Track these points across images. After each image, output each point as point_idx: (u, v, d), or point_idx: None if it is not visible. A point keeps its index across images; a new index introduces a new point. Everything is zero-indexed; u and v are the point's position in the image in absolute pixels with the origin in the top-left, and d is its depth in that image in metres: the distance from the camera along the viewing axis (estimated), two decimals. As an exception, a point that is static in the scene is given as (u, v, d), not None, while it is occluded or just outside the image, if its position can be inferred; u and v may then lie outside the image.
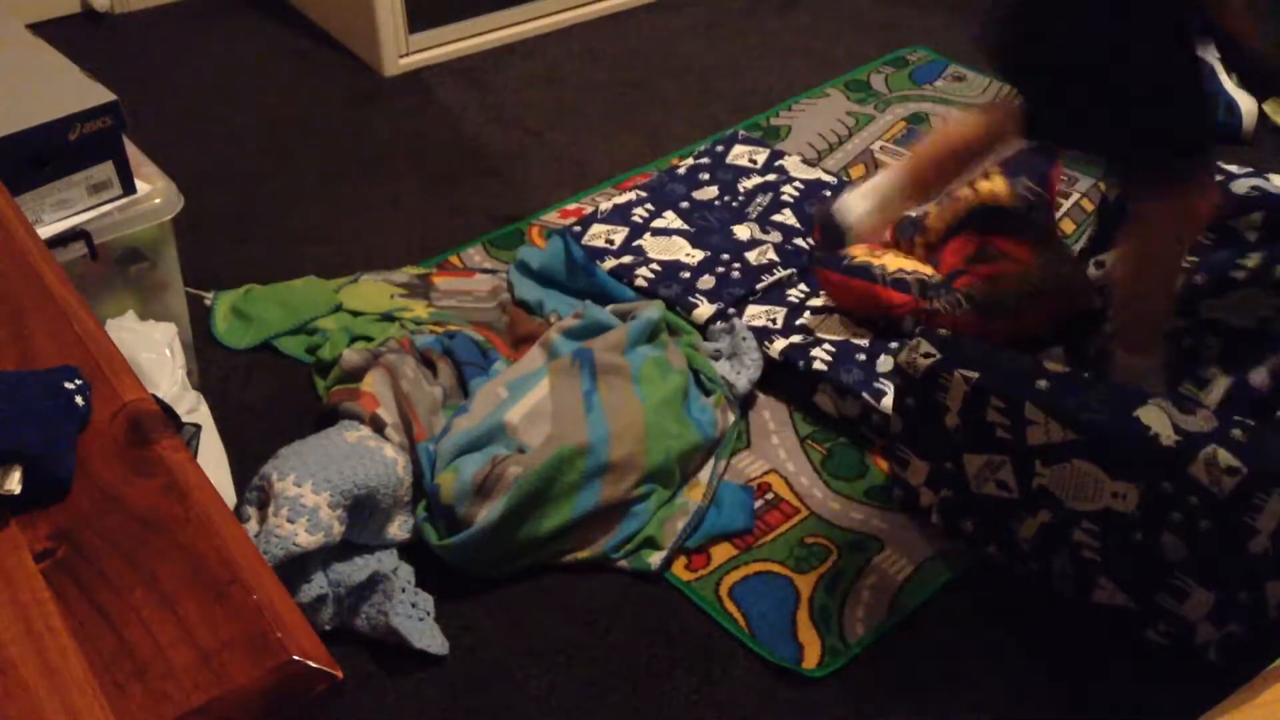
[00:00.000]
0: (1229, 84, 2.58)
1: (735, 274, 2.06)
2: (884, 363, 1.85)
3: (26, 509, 0.83)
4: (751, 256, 2.11)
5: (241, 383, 1.95)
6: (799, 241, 2.16)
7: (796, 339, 1.91)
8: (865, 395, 1.79)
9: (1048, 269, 1.85)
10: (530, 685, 1.51)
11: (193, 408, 1.69)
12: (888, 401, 1.75)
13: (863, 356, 1.87)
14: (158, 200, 1.71)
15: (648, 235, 2.17)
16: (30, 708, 0.70)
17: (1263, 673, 1.22)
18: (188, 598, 0.76)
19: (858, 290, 1.91)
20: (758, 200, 2.27)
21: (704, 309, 1.98)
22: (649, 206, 2.25)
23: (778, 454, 1.82)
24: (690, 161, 2.41)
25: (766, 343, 1.91)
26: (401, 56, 2.83)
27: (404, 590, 1.56)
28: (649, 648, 1.55)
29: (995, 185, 2.00)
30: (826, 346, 1.89)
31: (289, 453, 1.57)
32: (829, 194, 2.15)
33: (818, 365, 1.85)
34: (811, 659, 1.52)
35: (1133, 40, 1.53)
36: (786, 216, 2.22)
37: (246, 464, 1.77)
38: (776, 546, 1.67)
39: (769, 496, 1.75)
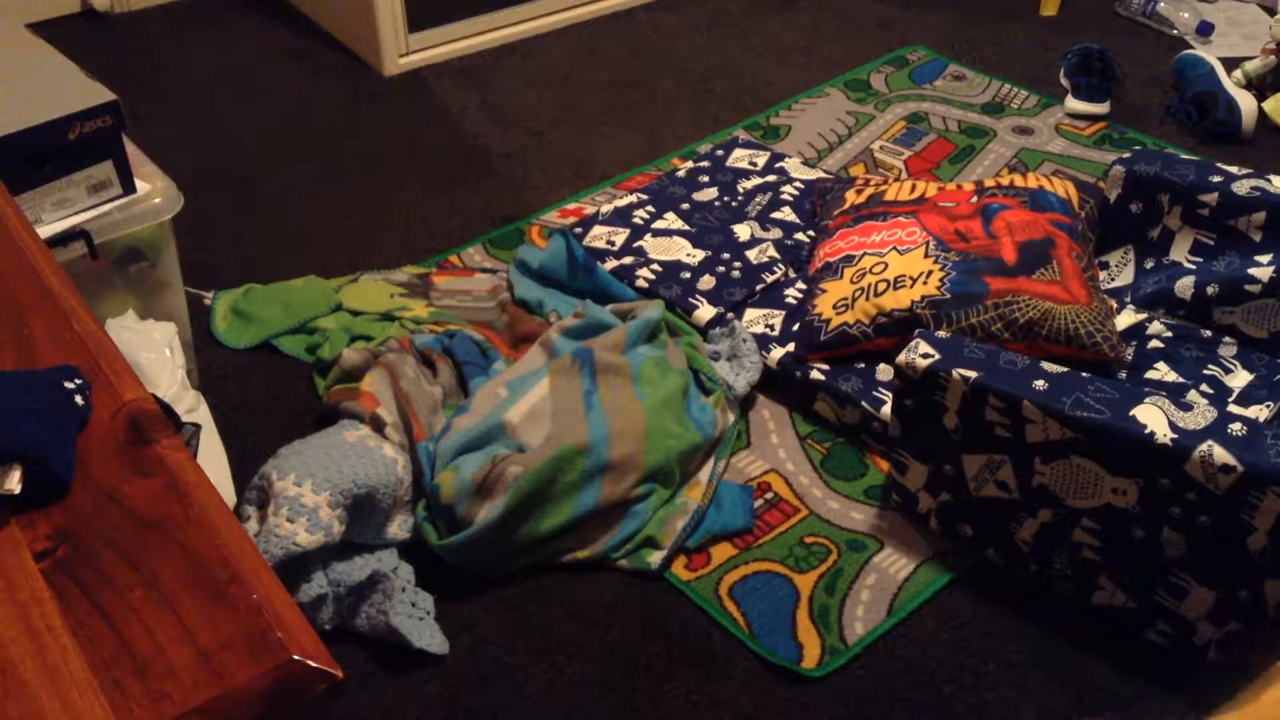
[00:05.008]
0: (1229, 84, 2.58)
1: (735, 273, 2.07)
2: (882, 371, 1.85)
3: (26, 509, 0.83)
4: (752, 255, 2.11)
5: (241, 382, 1.95)
6: (799, 236, 2.16)
7: (794, 347, 1.90)
8: (865, 404, 1.79)
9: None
10: (530, 685, 1.51)
11: (193, 407, 1.69)
12: (887, 410, 1.75)
13: (861, 364, 1.86)
14: (158, 200, 1.71)
15: (648, 236, 2.17)
16: (30, 707, 0.70)
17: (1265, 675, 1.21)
18: (188, 597, 0.76)
19: (848, 353, 1.88)
20: (757, 199, 2.27)
21: (704, 311, 1.98)
22: (650, 209, 2.25)
23: (777, 453, 1.82)
24: (690, 165, 2.41)
25: (764, 351, 1.91)
26: (401, 56, 2.84)
27: (404, 590, 1.56)
28: (649, 648, 1.55)
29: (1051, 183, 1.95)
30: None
31: (289, 452, 1.57)
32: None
33: (815, 375, 1.85)
34: (811, 659, 1.52)
35: None
36: (786, 214, 2.22)
37: (246, 464, 1.77)
38: (776, 546, 1.67)
39: (769, 496, 1.75)
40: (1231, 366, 1.79)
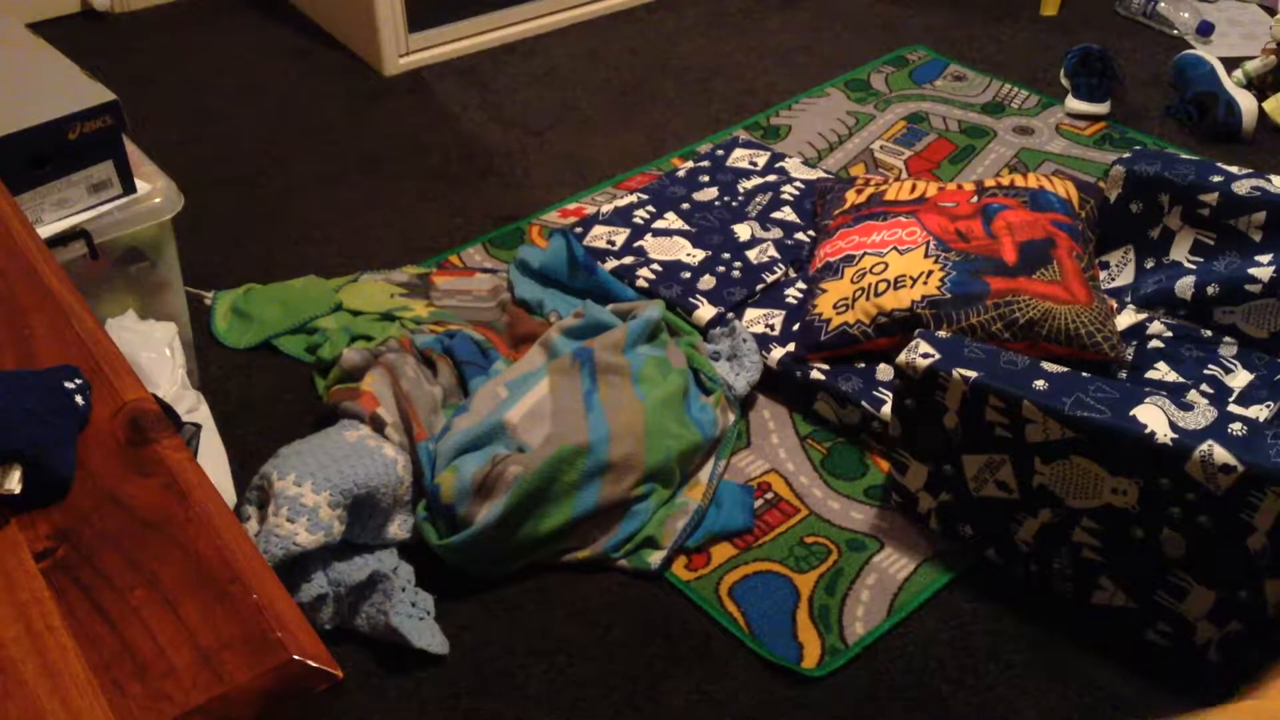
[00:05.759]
0: (1229, 84, 2.58)
1: (736, 273, 2.06)
2: (882, 371, 1.85)
3: (27, 509, 0.83)
4: (752, 255, 2.11)
5: (242, 382, 1.95)
6: (800, 236, 2.16)
7: (794, 347, 1.90)
8: (865, 404, 1.79)
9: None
10: (530, 685, 1.51)
11: (193, 407, 1.69)
12: (887, 410, 1.75)
13: (861, 364, 1.86)
14: (158, 200, 1.71)
15: (649, 236, 2.17)
16: (30, 708, 0.70)
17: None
18: (188, 598, 0.76)
19: (848, 352, 1.88)
20: (757, 199, 2.27)
21: (704, 310, 1.98)
22: (650, 209, 2.25)
23: (778, 453, 1.82)
24: (690, 165, 2.41)
25: (764, 351, 1.91)
26: (401, 56, 2.84)
27: (404, 590, 1.56)
28: (649, 648, 1.55)
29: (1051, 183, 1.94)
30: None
31: (289, 452, 1.57)
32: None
33: (815, 375, 1.85)
34: (811, 659, 1.52)
35: None
36: (786, 214, 2.22)
37: (246, 464, 1.77)
38: (776, 546, 1.67)
39: (769, 496, 1.75)
40: (1232, 366, 1.79)
